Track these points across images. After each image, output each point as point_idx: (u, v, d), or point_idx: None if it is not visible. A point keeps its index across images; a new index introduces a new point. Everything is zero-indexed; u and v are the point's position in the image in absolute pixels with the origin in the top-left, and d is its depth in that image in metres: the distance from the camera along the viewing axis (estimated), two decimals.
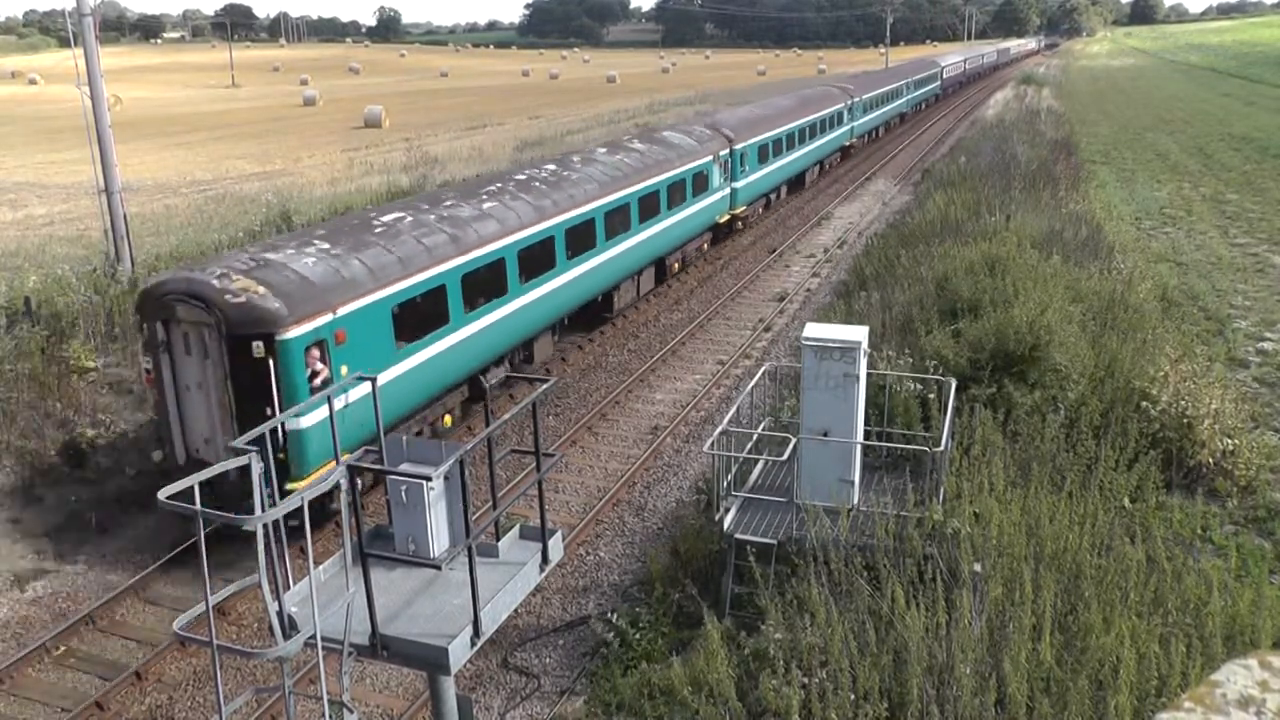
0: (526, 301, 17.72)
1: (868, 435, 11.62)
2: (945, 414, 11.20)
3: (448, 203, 17.06)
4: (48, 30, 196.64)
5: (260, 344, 12.25)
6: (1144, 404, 13.16)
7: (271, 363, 12.25)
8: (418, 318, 14.97)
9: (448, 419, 15.94)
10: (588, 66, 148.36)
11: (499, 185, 18.90)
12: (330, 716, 5.61)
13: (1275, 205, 31.66)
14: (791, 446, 10.93)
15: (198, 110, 74.21)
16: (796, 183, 39.38)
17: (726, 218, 29.72)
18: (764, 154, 32.38)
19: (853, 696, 7.88)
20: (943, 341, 14.25)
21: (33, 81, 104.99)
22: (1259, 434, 14.27)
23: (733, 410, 11.75)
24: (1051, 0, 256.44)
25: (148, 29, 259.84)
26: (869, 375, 11.41)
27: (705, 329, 23.31)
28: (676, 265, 26.55)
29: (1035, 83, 76.30)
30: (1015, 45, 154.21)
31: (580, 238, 19.88)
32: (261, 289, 12.53)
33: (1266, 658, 2.11)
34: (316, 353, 12.74)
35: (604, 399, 18.77)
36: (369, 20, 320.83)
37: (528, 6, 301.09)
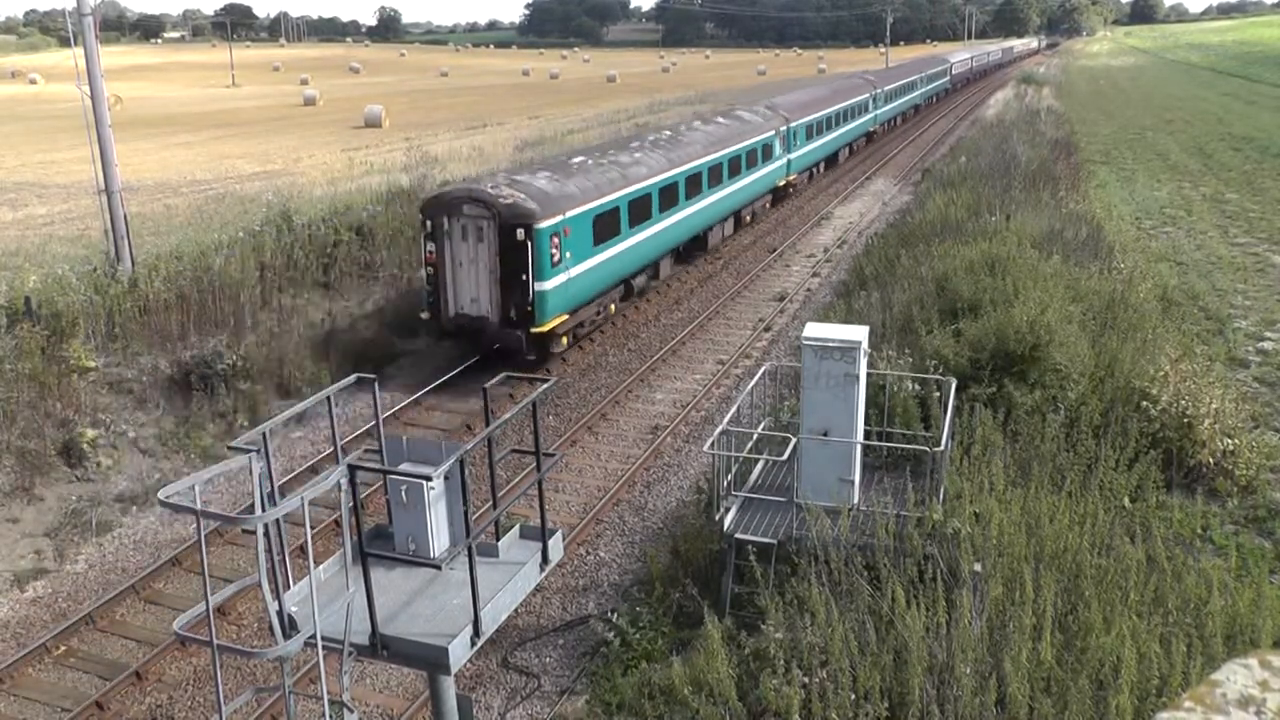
0: (662, 227, 24.10)
1: (868, 435, 11.62)
2: (945, 414, 11.20)
3: (610, 152, 23.84)
4: (48, 30, 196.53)
5: (522, 231, 18.11)
6: (1144, 404, 13.16)
7: (529, 244, 18.10)
8: (604, 227, 20.84)
9: (612, 307, 22.14)
10: (588, 66, 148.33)
11: (639, 142, 25.94)
12: (330, 716, 5.61)
13: (1275, 205, 31.65)
14: (791, 446, 10.93)
15: (197, 110, 74.19)
16: (831, 160, 44.83)
17: (784, 182, 35.88)
18: (810, 132, 38.70)
19: (853, 696, 7.88)
20: (943, 341, 14.24)
21: (33, 81, 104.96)
22: (1259, 434, 14.27)
23: (733, 410, 11.74)
24: (1052, 0, 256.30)
25: (148, 29, 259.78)
26: (869, 375, 11.40)
27: (705, 329, 23.30)
28: (749, 217, 32.55)
29: (1035, 82, 76.25)
30: (1019, 44, 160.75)
31: (693, 185, 25.93)
32: (521, 195, 18.57)
33: (1266, 657, 2.11)
34: (555, 239, 18.66)
35: (604, 399, 18.77)
36: (369, 20, 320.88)
37: (528, 6, 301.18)
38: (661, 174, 23.86)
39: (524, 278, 18.32)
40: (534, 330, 18.57)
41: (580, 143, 40.65)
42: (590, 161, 22.29)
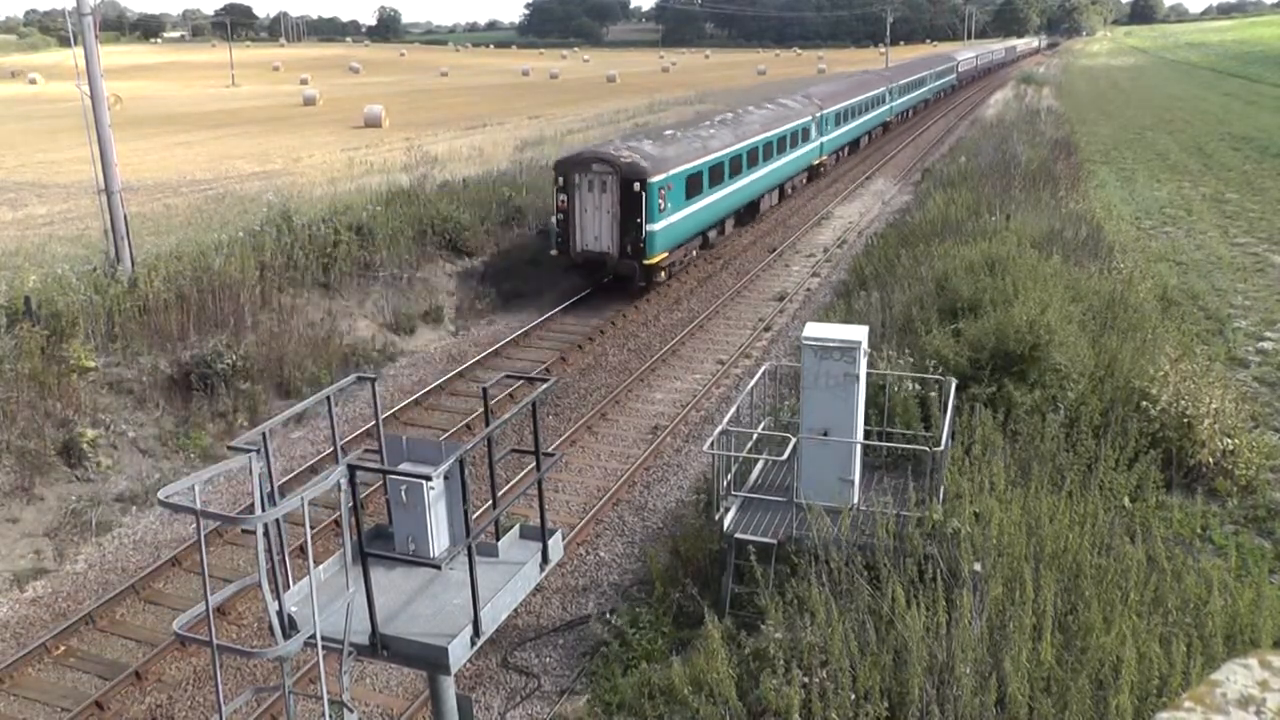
0: (730, 190, 29.20)
1: (868, 435, 11.62)
2: (945, 413, 11.20)
3: (690, 128, 29.93)
4: (48, 30, 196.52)
5: (638, 184, 23.40)
6: (1144, 403, 13.15)
7: (643, 195, 23.33)
8: (692, 187, 25.96)
9: (694, 253, 27.67)
10: (588, 66, 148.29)
11: (710, 121, 31.73)
12: (330, 716, 5.61)
13: (1275, 205, 31.64)
14: (791, 446, 10.92)
15: (197, 109, 74.17)
16: (854, 146, 50.20)
17: (818, 162, 41.16)
18: (839, 119, 44.06)
19: (853, 696, 7.88)
20: (943, 341, 14.24)
21: (33, 81, 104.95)
22: (1259, 433, 14.26)
23: (733, 410, 11.74)
24: (1051, 0, 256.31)
25: (148, 28, 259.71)
26: (869, 375, 11.40)
27: (705, 328, 23.30)
28: (790, 189, 38.04)
29: (1035, 82, 76.26)
30: (1021, 44, 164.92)
31: (752, 158, 30.88)
32: (637, 156, 24.07)
33: (1266, 657, 2.11)
34: (662, 192, 23.95)
35: (604, 399, 18.77)
36: (369, 20, 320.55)
37: (528, 6, 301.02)
38: (730, 147, 29.04)
39: (638, 221, 23.68)
40: (644, 262, 24.04)
41: (580, 142, 40.68)
42: (679, 134, 28.19)
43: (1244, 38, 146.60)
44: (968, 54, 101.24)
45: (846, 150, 47.98)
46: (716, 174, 27.71)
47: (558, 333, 22.86)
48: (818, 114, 39.51)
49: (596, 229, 24.26)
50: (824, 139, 41.15)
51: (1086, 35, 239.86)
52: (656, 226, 24.00)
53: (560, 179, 24.28)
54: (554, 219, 24.81)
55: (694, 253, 27.68)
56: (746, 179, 30.56)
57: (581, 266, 24.73)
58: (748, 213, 32.69)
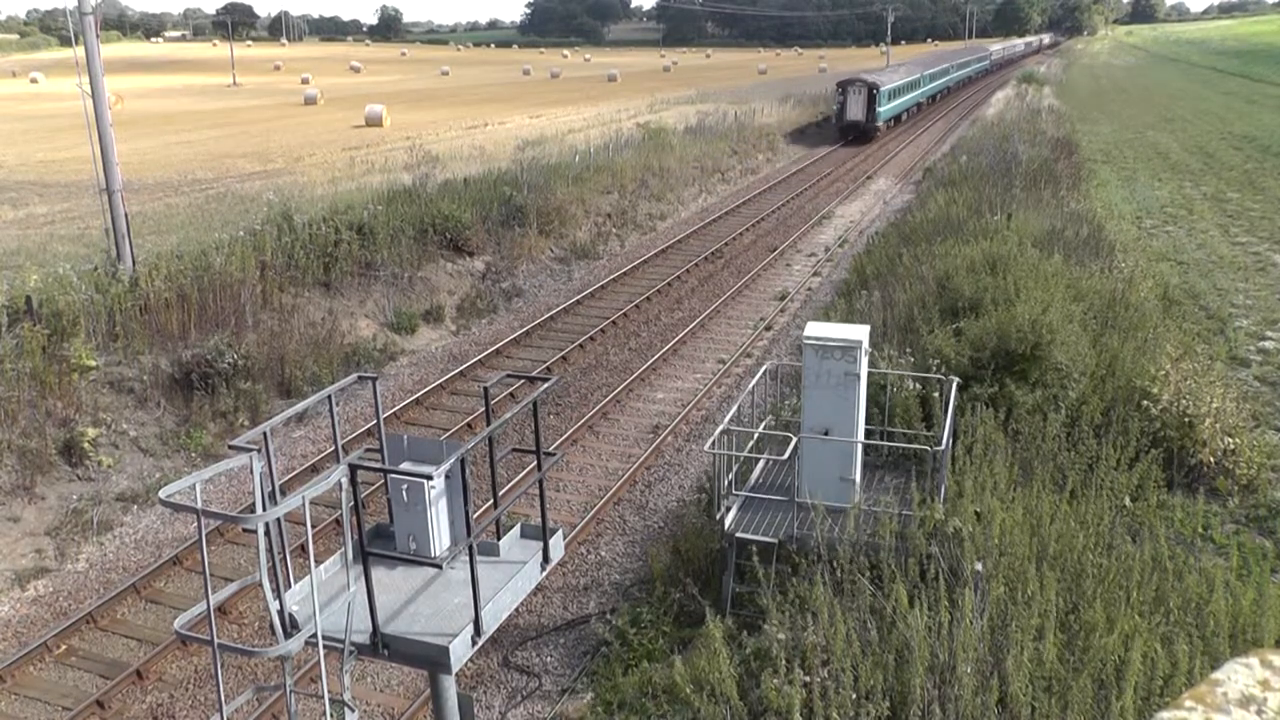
0: (908, 97, 66.86)
1: (869, 434, 11.61)
2: (947, 413, 11.19)
3: (893, 69, 69.18)
4: (49, 29, 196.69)
5: (874, 90, 56.51)
6: (1145, 403, 13.14)
7: (875, 95, 56.47)
8: (894, 94, 61.03)
9: (897, 121, 64.11)
10: (589, 65, 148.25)
11: (903, 67, 72.83)
12: (331, 715, 5.62)
13: (1276, 204, 31.62)
14: (792, 445, 10.91)
15: (198, 109, 74.19)
16: (934, 98, 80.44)
17: (927, 100, 76.34)
18: (931, 78, 77.15)
19: (854, 695, 7.87)
20: (944, 340, 14.23)
21: (34, 80, 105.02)
22: (1260, 433, 14.26)
23: (734, 409, 11.73)
24: None
25: (148, 28, 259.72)
26: (870, 374, 11.40)
27: (706, 328, 23.30)
28: (929, 102, 77.38)
29: (1036, 81, 76.26)
30: (1034, 40, 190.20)
31: (912, 86, 68.00)
32: (873, 78, 58.54)
33: (1268, 656, 2.11)
34: (883, 93, 57.24)
35: (605, 398, 18.76)
36: (370, 19, 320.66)
37: (529, 5, 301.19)
38: (905, 79, 64.33)
39: (875, 107, 56.24)
40: (875, 125, 56.65)
41: (582, 140, 40.75)
42: (889, 72, 64.67)
43: (1244, 33, 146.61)
44: (997, 46, 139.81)
45: (937, 97, 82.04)
46: (904, 89, 63.37)
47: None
48: (923, 73, 73.32)
49: (855, 111, 56.71)
50: (927, 87, 74.99)
51: (1088, 34, 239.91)
52: (880, 109, 57.04)
53: (840, 88, 57.61)
54: (834, 107, 58.47)
55: (893, 123, 62.29)
56: (913, 94, 68.07)
57: (846, 129, 57.11)
58: (918, 109, 72.00)
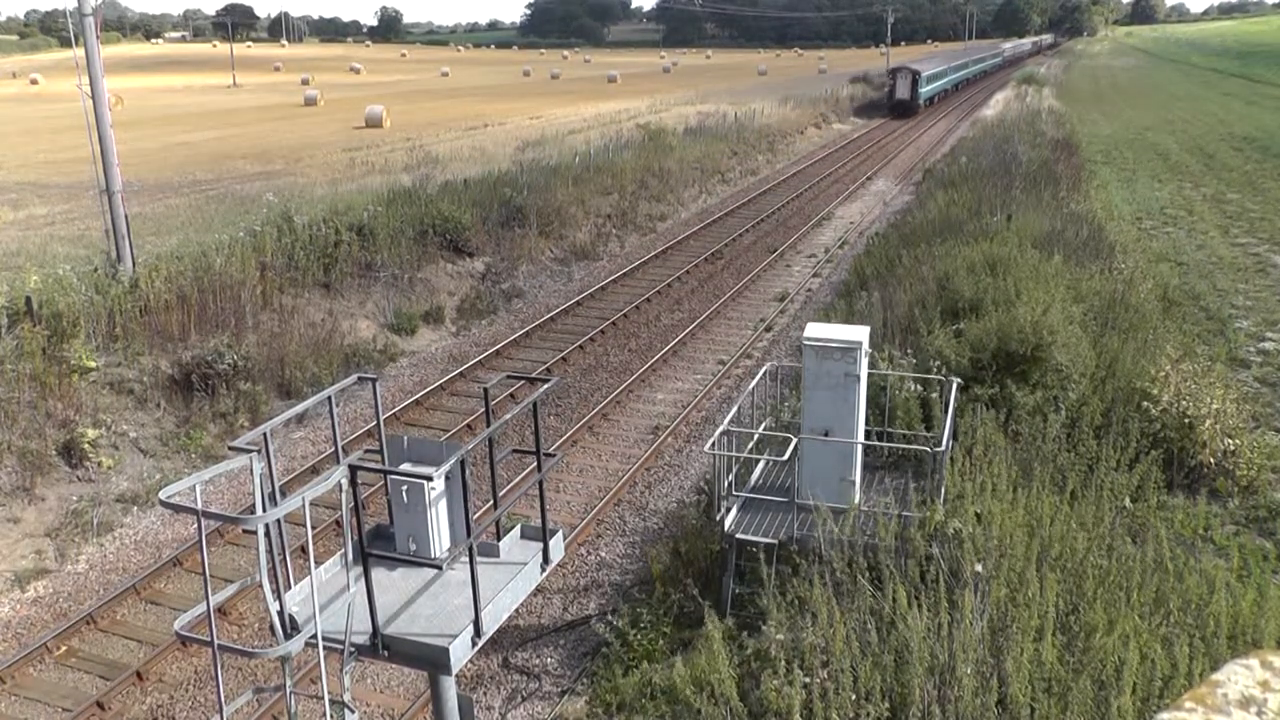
0: (945, 80, 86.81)
1: (869, 435, 11.61)
2: (947, 414, 11.19)
3: (932, 60, 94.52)
4: (49, 30, 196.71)
5: (917, 75, 75.11)
6: (1145, 404, 13.14)
7: (919, 79, 75.19)
8: (934, 78, 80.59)
9: (937, 97, 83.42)
10: (589, 66, 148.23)
11: (943, 56, 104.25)
12: (331, 716, 5.62)
13: (1276, 205, 31.62)
14: (792, 446, 10.91)
15: (198, 109, 74.19)
16: (959, 86, 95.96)
17: (956, 86, 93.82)
18: (959, 68, 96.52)
19: (854, 696, 7.87)
20: (944, 341, 14.23)
21: (34, 81, 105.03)
22: (1260, 434, 14.25)
23: (734, 410, 11.73)
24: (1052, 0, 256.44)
25: (149, 29, 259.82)
26: (870, 375, 11.40)
27: (706, 329, 23.30)
28: (960, 86, 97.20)
29: (1036, 82, 76.33)
30: (1038, 40, 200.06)
31: (950, 71, 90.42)
32: (919, 67, 78.49)
33: (1268, 657, 2.10)
34: (924, 78, 75.97)
35: (605, 399, 18.76)
36: (370, 20, 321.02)
37: (529, 6, 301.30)
38: (945, 65, 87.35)
39: (918, 88, 74.30)
40: (919, 103, 74.39)
41: (582, 141, 40.74)
42: (930, 60, 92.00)
43: (1244, 33, 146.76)
44: (1008, 45, 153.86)
45: (960, 85, 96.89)
46: (939, 75, 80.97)
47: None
48: (950, 64, 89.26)
49: (903, 91, 73.35)
50: (954, 75, 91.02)
51: (1088, 35, 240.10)
52: (924, 90, 74.74)
53: (891, 74, 76.27)
54: (886, 89, 76.16)
55: (934, 100, 78.62)
56: (946, 79, 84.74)
57: (895, 107, 73.02)
58: (945, 95, 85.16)
